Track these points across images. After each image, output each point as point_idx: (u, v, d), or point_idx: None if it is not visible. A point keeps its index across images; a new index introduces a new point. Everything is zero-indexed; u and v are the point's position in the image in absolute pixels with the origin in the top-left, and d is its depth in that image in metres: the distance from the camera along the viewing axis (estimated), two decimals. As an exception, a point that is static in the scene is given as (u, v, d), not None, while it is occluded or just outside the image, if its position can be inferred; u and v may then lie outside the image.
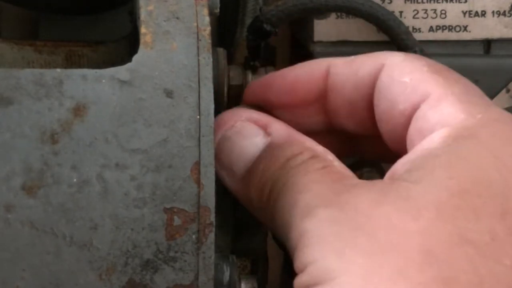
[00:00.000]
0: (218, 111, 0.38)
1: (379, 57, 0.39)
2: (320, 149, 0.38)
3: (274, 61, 0.53)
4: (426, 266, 0.32)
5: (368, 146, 0.42)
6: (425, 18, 0.48)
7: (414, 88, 0.37)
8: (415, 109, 0.37)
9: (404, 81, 0.37)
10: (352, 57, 0.40)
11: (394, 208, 0.33)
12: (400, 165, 0.36)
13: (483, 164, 0.34)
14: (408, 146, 0.37)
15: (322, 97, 0.40)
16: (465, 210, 0.33)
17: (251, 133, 0.39)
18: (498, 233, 0.32)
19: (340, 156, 0.38)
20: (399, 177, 0.35)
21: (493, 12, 0.48)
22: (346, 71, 0.39)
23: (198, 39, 0.37)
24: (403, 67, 0.38)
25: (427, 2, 0.48)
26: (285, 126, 0.39)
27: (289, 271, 0.50)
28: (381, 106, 0.38)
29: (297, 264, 0.35)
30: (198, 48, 0.37)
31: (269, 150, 0.38)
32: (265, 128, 0.39)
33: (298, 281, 0.34)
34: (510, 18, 0.48)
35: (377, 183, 0.35)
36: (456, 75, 0.38)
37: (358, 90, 0.39)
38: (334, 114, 0.40)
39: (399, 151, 0.38)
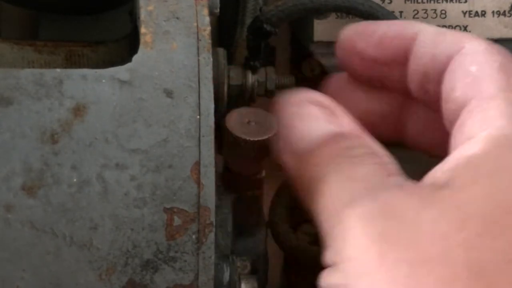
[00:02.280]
0: (218, 111, 0.38)
1: (462, 39, 0.38)
2: (378, 148, 0.37)
3: (274, 61, 0.53)
4: (473, 281, 0.31)
5: (417, 136, 0.42)
6: (425, 18, 0.48)
7: (474, 80, 0.36)
8: (467, 101, 0.36)
9: (470, 70, 0.37)
10: (442, 29, 0.40)
11: (439, 216, 0.33)
12: (441, 171, 0.35)
13: None
14: (452, 138, 0.37)
15: (405, 59, 0.40)
16: (509, 226, 0.32)
17: (319, 117, 0.39)
18: None
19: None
20: (442, 183, 0.34)
21: (493, 12, 0.48)
22: (431, 41, 0.39)
23: (198, 39, 0.37)
24: (477, 56, 0.37)
25: (427, 2, 0.48)
26: (351, 118, 0.39)
27: (289, 271, 0.51)
28: (446, 86, 0.38)
29: (330, 255, 0.34)
30: (198, 48, 0.37)
31: (334, 136, 0.38)
32: (331, 115, 0.39)
33: (329, 276, 0.34)
34: (510, 18, 0.48)
35: (423, 187, 0.35)
36: None
37: (435, 64, 0.39)
38: (410, 80, 0.40)
39: (448, 132, 0.38)
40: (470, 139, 0.35)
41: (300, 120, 0.39)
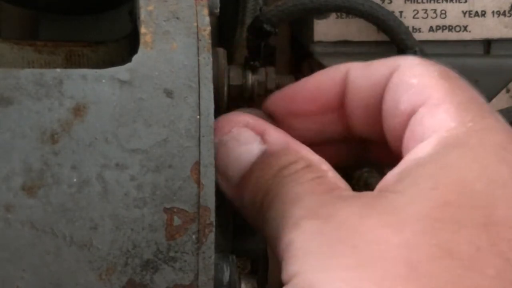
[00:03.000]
0: (218, 111, 0.38)
1: (395, 60, 0.39)
2: (315, 158, 0.38)
3: (274, 61, 0.53)
4: (411, 279, 0.32)
5: (380, 153, 0.42)
6: (425, 18, 0.48)
7: (418, 90, 0.37)
8: (414, 110, 0.37)
9: (412, 82, 0.37)
10: (370, 61, 0.40)
11: (378, 222, 0.33)
12: (390, 175, 0.36)
13: (468, 174, 0.34)
14: (403, 149, 0.37)
15: (341, 102, 0.40)
16: (448, 222, 0.33)
17: (247, 139, 0.39)
18: (481, 244, 0.32)
19: (353, 164, 0.38)
20: (386, 188, 0.35)
21: (493, 12, 0.48)
22: (363, 74, 0.39)
23: (198, 39, 0.37)
24: (415, 70, 0.38)
25: (427, 2, 0.48)
26: (283, 133, 0.39)
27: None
28: (386, 105, 0.38)
29: (283, 275, 0.35)
30: (198, 48, 0.37)
31: (264, 157, 0.38)
32: (262, 135, 0.39)
33: None
34: (510, 18, 0.48)
35: (364, 195, 0.35)
36: (465, 85, 0.38)
37: (373, 93, 0.39)
38: (351, 118, 0.40)
39: (399, 153, 0.38)
40: (422, 142, 0.36)
41: (229, 147, 0.39)
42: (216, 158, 0.37)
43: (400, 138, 0.38)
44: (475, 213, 0.33)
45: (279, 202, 0.36)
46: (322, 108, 0.41)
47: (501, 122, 0.37)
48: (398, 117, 0.38)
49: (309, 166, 0.37)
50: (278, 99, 0.42)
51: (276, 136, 0.39)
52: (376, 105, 0.39)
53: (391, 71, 0.39)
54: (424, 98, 0.37)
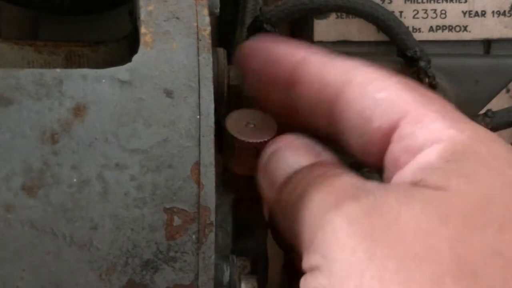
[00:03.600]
0: (218, 111, 0.38)
1: (351, 69, 0.38)
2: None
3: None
4: (462, 276, 0.31)
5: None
6: (425, 18, 0.48)
7: (391, 105, 0.37)
8: (393, 126, 0.37)
9: (379, 97, 0.37)
10: (327, 58, 0.39)
11: (420, 212, 0.33)
12: (410, 172, 0.35)
13: (493, 182, 0.34)
14: (389, 164, 0.37)
15: (290, 84, 0.40)
16: (490, 221, 0.33)
17: (304, 152, 0.39)
18: None
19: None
20: (416, 183, 0.35)
21: (493, 12, 0.48)
22: (316, 71, 0.39)
23: (198, 39, 0.37)
24: (377, 84, 0.38)
25: (427, 2, 0.48)
26: (331, 154, 0.39)
27: (289, 271, 0.50)
28: (351, 121, 0.38)
29: (312, 260, 0.34)
30: (198, 48, 0.37)
31: (314, 165, 0.38)
32: (317, 154, 0.39)
33: (312, 279, 0.34)
34: (510, 18, 0.48)
35: (401, 185, 0.35)
36: (429, 92, 0.38)
37: (322, 94, 0.39)
38: (298, 105, 0.40)
39: (369, 163, 0.38)
40: (422, 152, 0.35)
41: (284, 155, 0.39)
42: (269, 163, 0.38)
43: (374, 152, 0.38)
44: (509, 216, 0.33)
45: (321, 189, 0.36)
46: (270, 81, 0.40)
47: (482, 128, 0.37)
48: (372, 133, 0.37)
49: (349, 171, 0.37)
50: (246, 51, 0.41)
51: (330, 157, 0.39)
52: (323, 109, 0.39)
53: (345, 82, 0.38)
54: (401, 112, 0.36)
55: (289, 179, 0.38)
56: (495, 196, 0.34)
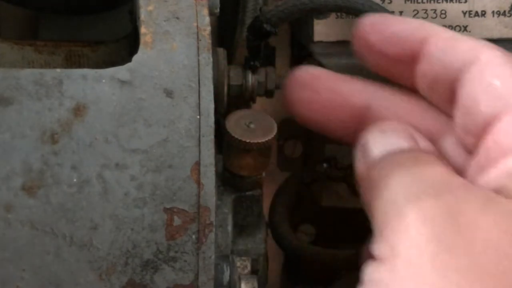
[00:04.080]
0: (218, 111, 0.38)
1: (476, 48, 0.38)
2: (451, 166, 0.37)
3: (274, 61, 0.53)
4: None
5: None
6: (425, 18, 0.48)
7: (501, 95, 0.36)
8: (496, 117, 0.36)
9: (494, 83, 0.36)
10: (454, 34, 0.39)
11: (493, 224, 0.32)
12: (495, 176, 0.35)
13: None
14: (482, 152, 0.36)
15: (414, 59, 0.40)
16: None
17: (404, 136, 0.38)
18: None
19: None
20: (499, 189, 0.34)
21: (493, 12, 0.48)
22: (444, 46, 0.39)
23: (198, 39, 0.37)
24: (497, 68, 0.37)
25: (427, 2, 0.48)
26: (430, 144, 0.39)
27: (289, 271, 0.51)
28: (463, 99, 0.37)
29: (381, 246, 0.34)
30: (198, 48, 0.37)
31: (409, 149, 0.38)
32: (416, 141, 0.39)
33: (375, 269, 0.34)
34: (510, 18, 0.48)
35: (483, 191, 0.35)
36: None
37: (446, 72, 0.38)
38: (419, 82, 0.40)
39: (467, 144, 0.37)
40: None
41: (385, 135, 0.39)
42: (368, 135, 0.38)
43: (474, 134, 0.37)
44: None
45: (407, 174, 0.35)
46: (396, 56, 0.40)
47: None
48: (476, 116, 0.37)
49: (443, 161, 0.37)
50: (372, 25, 0.41)
51: (429, 145, 0.39)
52: (445, 85, 0.38)
53: (471, 60, 0.38)
54: (506, 105, 0.36)
55: (382, 157, 0.38)
56: None
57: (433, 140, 0.40)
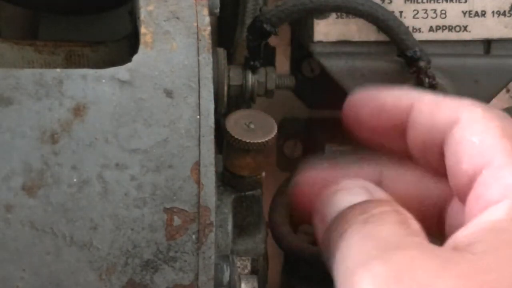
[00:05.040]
0: (218, 111, 0.38)
1: (459, 108, 0.38)
2: (408, 214, 0.37)
3: (274, 61, 0.53)
4: None
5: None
6: (425, 18, 0.48)
7: (481, 151, 0.36)
8: (476, 172, 0.36)
9: (473, 141, 0.37)
10: (437, 97, 0.39)
11: (455, 284, 0.32)
12: (462, 235, 0.35)
13: None
14: (467, 210, 0.36)
15: (403, 128, 0.40)
16: None
17: (357, 192, 0.38)
18: None
19: None
20: (464, 247, 0.34)
21: (493, 12, 0.48)
22: (427, 111, 0.39)
23: (198, 39, 0.37)
24: (476, 126, 0.37)
25: (427, 2, 0.48)
26: (387, 195, 0.39)
27: (289, 271, 0.51)
28: (450, 160, 0.38)
29: None
30: (198, 48, 0.37)
31: (364, 202, 0.38)
32: (371, 193, 0.39)
33: None
34: (510, 18, 0.48)
35: (443, 250, 0.34)
36: None
37: (432, 136, 0.39)
38: (412, 150, 0.40)
39: (462, 203, 0.37)
40: (492, 206, 0.35)
41: (338, 195, 0.39)
42: (322, 204, 0.38)
43: (463, 195, 0.37)
44: None
45: (359, 235, 0.35)
46: (384, 127, 0.40)
47: None
48: (460, 176, 0.37)
49: (397, 211, 0.36)
50: (355, 102, 0.41)
51: (384, 195, 0.38)
52: (434, 148, 0.39)
53: (454, 120, 0.38)
54: (486, 159, 0.36)
55: (338, 215, 0.37)
56: None
57: (443, 207, 0.40)
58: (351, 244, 0.35)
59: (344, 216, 0.37)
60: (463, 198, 0.37)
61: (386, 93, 0.41)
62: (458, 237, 0.35)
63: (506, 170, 0.35)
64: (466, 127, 0.38)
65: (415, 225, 0.36)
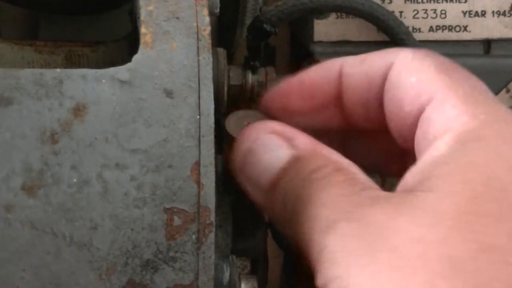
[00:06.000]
0: (218, 111, 0.38)
1: (389, 55, 0.39)
2: (345, 161, 0.37)
3: (274, 61, 0.53)
4: (454, 277, 0.31)
5: (384, 146, 0.42)
6: (425, 18, 0.48)
7: (420, 89, 0.37)
8: (420, 111, 0.37)
9: (411, 81, 0.37)
10: (364, 55, 0.40)
11: (411, 220, 0.33)
12: (410, 176, 0.35)
13: (493, 167, 0.34)
14: (416, 149, 0.37)
15: (338, 98, 0.40)
16: (481, 216, 0.33)
17: (275, 145, 0.38)
18: None
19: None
20: (412, 188, 0.35)
21: (493, 12, 0.48)
22: (358, 71, 0.39)
23: (198, 39, 0.37)
24: (411, 66, 0.37)
25: (427, 2, 0.48)
26: (310, 139, 0.39)
27: (289, 271, 0.51)
28: (389, 106, 0.38)
29: (319, 280, 0.34)
30: (198, 48, 0.37)
31: (293, 162, 0.38)
32: (290, 141, 0.38)
33: None
34: (510, 18, 0.48)
35: (394, 195, 0.35)
36: (463, 74, 0.37)
37: (371, 90, 0.39)
38: (350, 114, 0.40)
39: (408, 150, 0.38)
40: (436, 141, 0.35)
41: (258, 154, 0.38)
42: (244, 167, 0.38)
43: (408, 138, 0.38)
44: (506, 205, 0.33)
45: (311, 206, 0.36)
46: (318, 105, 0.40)
47: (508, 110, 0.36)
48: (405, 118, 0.37)
49: (338, 169, 0.37)
50: (274, 97, 0.41)
51: (304, 141, 0.38)
52: (375, 103, 0.39)
53: (386, 68, 0.38)
54: (427, 96, 0.36)
55: (275, 184, 0.38)
56: (491, 186, 0.33)
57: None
58: (309, 216, 0.35)
59: (284, 186, 0.37)
60: (408, 140, 0.37)
61: (310, 73, 0.41)
62: (407, 178, 0.35)
63: (447, 103, 0.36)
64: (400, 70, 0.38)
65: (360, 175, 0.37)
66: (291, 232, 0.37)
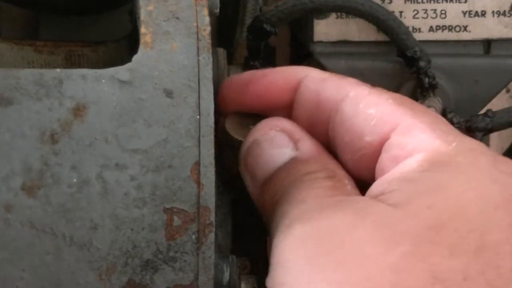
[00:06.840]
0: (218, 111, 0.38)
1: (345, 86, 0.38)
2: (341, 172, 0.37)
3: (274, 61, 0.53)
4: None
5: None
6: (425, 18, 0.48)
7: (381, 119, 0.37)
8: (384, 139, 0.36)
9: (370, 113, 0.37)
10: (327, 74, 0.39)
11: (368, 235, 0.33)
12: (376, 186, 0.35)
13: (462, 195, 0.33)
14: (377, 174, 0.37)
15: (290, 107, 0.40)
16: (440, 246, 0.32)
17: (281, 144, 0.39)
18: (470, 272, 0.32)
19: None
20: (376, 195, 0.34)
21: (493, 12, 0.48)
22: (314, 88, 0.39)
23: (198, 39, 0.37)
24: (368, 100, 0.37)
25: (427, 2, 0.48)
26: (316, 145, 0.39)
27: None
28: (344, 137, 0.38)
29: (268, 281, 0.34)
30: (198, 48, 0.37)
31: (292, 162, 0.38)
32: (296, 142, 0.39)
33: None
34: (510, 18, 0.48)
35: (358, 200, 0.35)
36: (421, 107, 0.38)
37: (319, 111, 0.39)
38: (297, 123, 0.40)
39: (363, 180, 0.38)
40: (406, 159, 0.35)
41: (262, 147, 0.39)
42: (247, 156, 0.38)
43: (366, 168, 0.37)
44: (468, 239, 0.32)
45: (286, 202, 0.36)
46: (270, 107, 0.40)
47: (476, 141, 0.36)
48: (364, 149, 0.37)
49: (331, 176, 0.37)
50: (232, 87, 0.41)
51: (309, 145, 0.39)
52: (322, 125, 0.39)
53: (339, 98, 0.38)
54: (391, 125, 0.36)
55: (270, 179, 0.38)
56: (457, 215, 0.33)
57: None
58: (279, 212, 0.36)
59: (276, 182, 0.38)
60: (366, 170, 0.37)
61: (273, 73, 0.41)
62: (372, 189, 0.35)
63: (415, 129, 0.36)
64: (356, 102, 0.38)
65: (349, 188, 0.37)
66: (268, 227, 0.37)
